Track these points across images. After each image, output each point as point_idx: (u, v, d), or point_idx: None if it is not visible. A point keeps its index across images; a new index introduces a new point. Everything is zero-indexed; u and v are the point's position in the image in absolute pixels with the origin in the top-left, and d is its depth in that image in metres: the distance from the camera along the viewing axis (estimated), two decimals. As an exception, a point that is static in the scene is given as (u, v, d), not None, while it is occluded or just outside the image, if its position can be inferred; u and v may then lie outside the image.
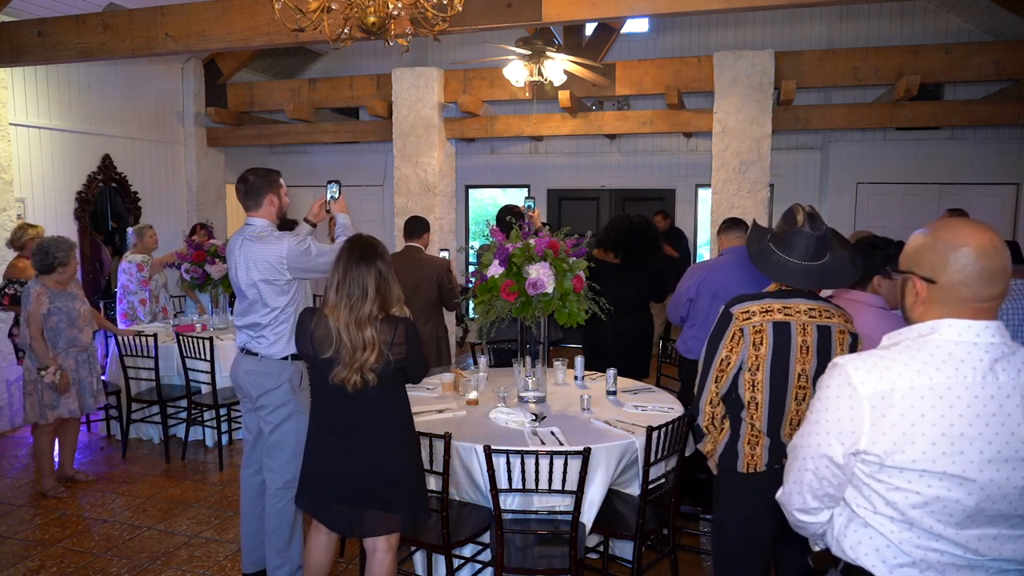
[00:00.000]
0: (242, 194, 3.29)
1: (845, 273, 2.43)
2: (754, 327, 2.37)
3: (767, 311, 2.38)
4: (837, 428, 1.47)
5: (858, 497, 1.50)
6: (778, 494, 1.69)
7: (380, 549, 2.73)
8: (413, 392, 3.89)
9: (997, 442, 1.37)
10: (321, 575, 2.87)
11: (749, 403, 2.41)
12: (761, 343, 2.36)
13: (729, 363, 2.41)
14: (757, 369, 2.38)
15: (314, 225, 3.46)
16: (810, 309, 2.40)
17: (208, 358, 4.93)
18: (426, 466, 2.90)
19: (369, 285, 2.50)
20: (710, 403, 2.48)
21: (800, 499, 1.60)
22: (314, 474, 2.71)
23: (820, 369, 2.37)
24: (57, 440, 4.67)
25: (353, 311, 2.48)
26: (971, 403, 1.38)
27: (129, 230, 6.27)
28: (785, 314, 2.38)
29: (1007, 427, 1.38)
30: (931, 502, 1.40)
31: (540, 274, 3.27)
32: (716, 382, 2.44)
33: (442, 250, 5.37)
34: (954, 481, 1.38)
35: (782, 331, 2.37)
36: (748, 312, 2.38)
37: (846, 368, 1.47)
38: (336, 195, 3.49)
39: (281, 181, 3.36)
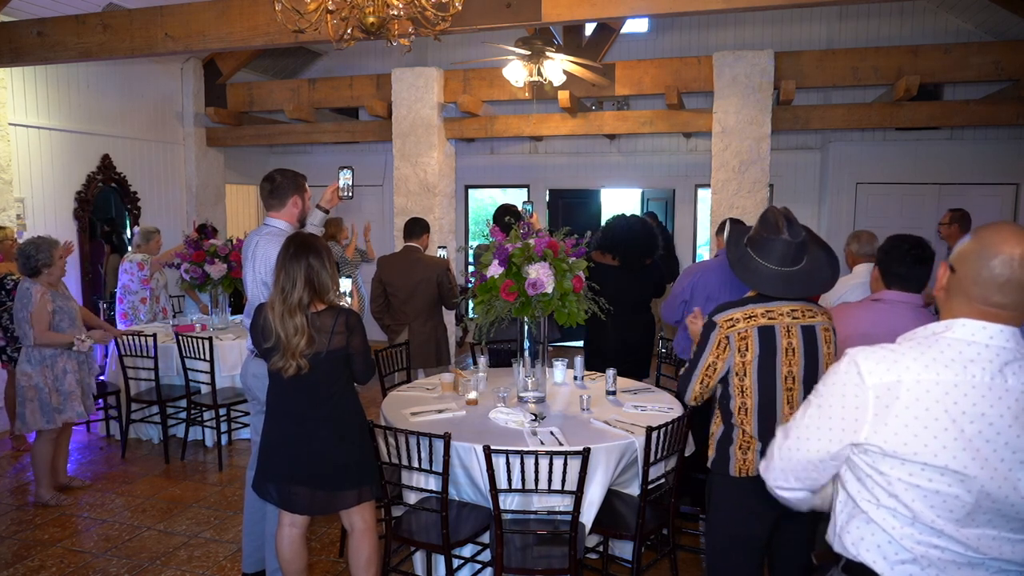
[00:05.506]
0: (267, 193, 3.29)
1: (822, 277, 2.47)
2: (739, 334, 2.39)
3: (750, 317, 2.40)
4: (840, 415, 1.49)
5: (862, 490, 1.51)
6: (761, 465, 1.70)
7: (358, 528, 2.91)
8: (412, 392, 3.90)
9: (996, 442, 1.38)
10: (296, 568, 2.93)
11: (739, 409, 2.43)
12: (747, 349, 2.39)
13: (715, 369, 2.44)
14: (744, 375, 2.40)
15: (327, 211, 3.47)
16: (792, 311, 2.43)
17: (208, 358, 4.93)
18: (425, 466, 2.91)
19: (298, 277, 2.71)
20: (695, 398, 2.51)
21: (783, 477, 1.62)
22: (269, 458, 2.84)
23: (808, 369, 2.40)
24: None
25: (285, 301, 2.70)
26: (977, 402, 1.39)
27: (135, 229, 6.25)
28: (769, 318, 2.40)
29: (1013, 429, 1.38)
30: (930, 496, 1.41)
31: (540, 274, 3.27)
32: (700, 383, 2.47)
33: (440, 247, 5.37)
34: (955, 477, 1.39)
35: (767, 335, 2.39)
36: (732, 320, 2.41)
37: (856, 358, 1.49)
38: (350, 181, 3.49)
39: (307, 185, 3.37)
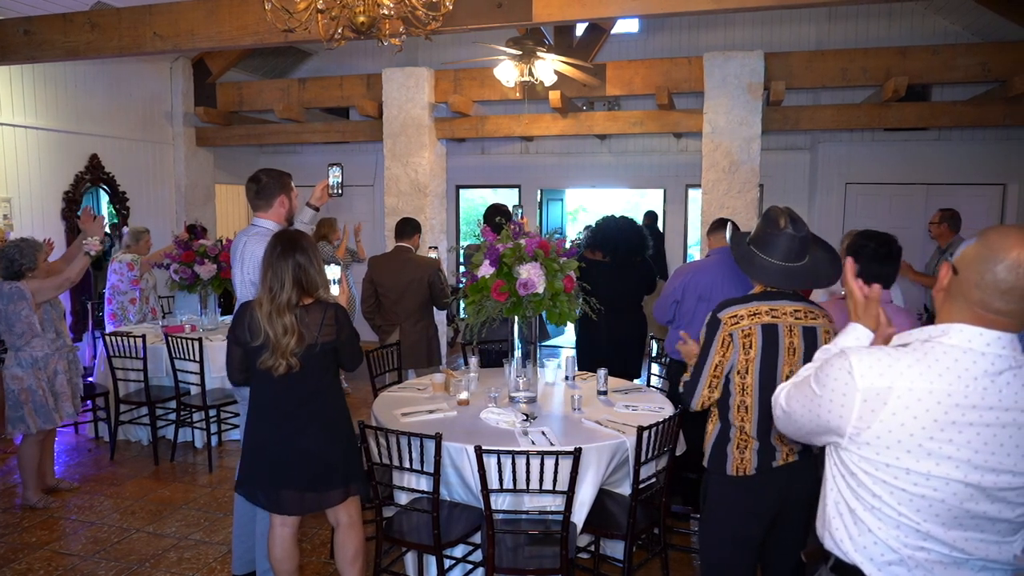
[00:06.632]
0: (253, 194, 3.28)
1: (826, 272, 2.47)
2: (743, 331, 2.38)
3: (755, 314, 2.40)
4: (828, 408, 1.51)
5: (849, 490, 1.52)
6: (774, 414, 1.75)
7: (343, 523, 2.91)
8: (403, 393, 3.89)
9: (984, 452, 1.37)
10: (288, 568, 2.92)
11: (739, 406, 2.43)
12: (750, 347, 2.38)
13: (721, 368, 2.42)
14: (746, 372, 2.40)
15: (317, 209, 3.46)
16: (795, 311, 2.43)
17: (197, 359, 4.90)
18: (416, 467, 2.91)
19: (287, 276, 2.69)
20: (702, 404, 2.50)
21: (784, 430, 1.74)
22: (254, 459, 2.82)
23: None
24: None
25: (274, 301, 2.68)
26: (966, 412, 1.38)
27: (124, 229, 6.21)
28: (772, 316, 2.40)
29: (998, 438, 1.37)
30: (916, 499, 1.42)
31: (531, 274, 3.27)
32: (709, 387, 2.45)
33: (431, 247, 5.37)
34: (940, 481, 1.39)
35: (770, 333, 2.39)
36: (736, 316, 2.40)
37: (850, 358, 1.48)
38: (339, 179, 3.49)
39: (292, 184, 3.37)
